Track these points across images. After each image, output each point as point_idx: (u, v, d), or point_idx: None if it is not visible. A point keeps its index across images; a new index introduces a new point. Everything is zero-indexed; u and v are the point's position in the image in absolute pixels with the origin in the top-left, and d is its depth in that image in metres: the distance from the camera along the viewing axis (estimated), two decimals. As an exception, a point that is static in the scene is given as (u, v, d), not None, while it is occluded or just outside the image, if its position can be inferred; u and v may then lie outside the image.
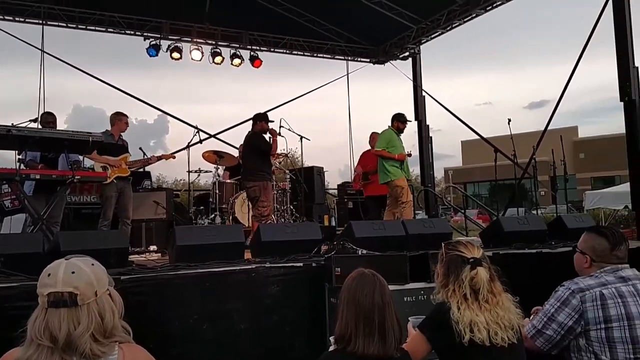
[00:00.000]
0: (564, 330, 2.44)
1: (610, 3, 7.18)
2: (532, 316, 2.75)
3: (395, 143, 7.38)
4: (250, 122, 7.29)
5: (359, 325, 2.05)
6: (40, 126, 5.93)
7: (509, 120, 7.67)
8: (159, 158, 6.91)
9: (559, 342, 2.46)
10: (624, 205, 15.13)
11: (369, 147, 8.42)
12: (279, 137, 7.23)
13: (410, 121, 7.77)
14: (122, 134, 6.50)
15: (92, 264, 1.65)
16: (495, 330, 2.17)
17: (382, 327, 2.04)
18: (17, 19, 9.48)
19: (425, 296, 3.75)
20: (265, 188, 6.88)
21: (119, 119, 6.45)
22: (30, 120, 5.91)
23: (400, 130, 7.53)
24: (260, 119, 7.10)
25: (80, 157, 5.90)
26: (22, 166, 4.87)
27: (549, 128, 9.62)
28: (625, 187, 10.97)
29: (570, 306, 2.42)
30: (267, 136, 7.09)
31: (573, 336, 2.44)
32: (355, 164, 9.02)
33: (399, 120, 7.54)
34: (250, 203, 7.15)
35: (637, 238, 6.34)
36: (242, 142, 7.79)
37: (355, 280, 2.19)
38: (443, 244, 2.47)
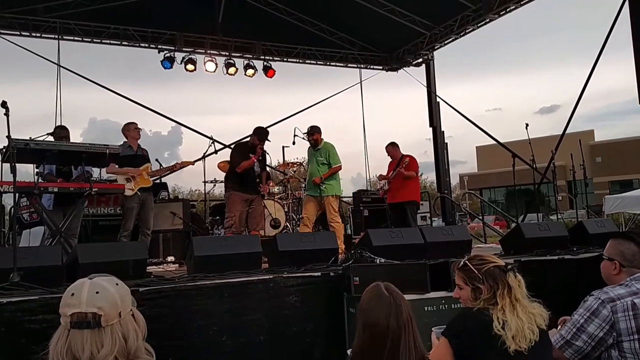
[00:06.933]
0: (594, 342, 2.36)
1: (626, 5, 7.08)
2: (559, 326, 2.68)
3: None
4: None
5: (371, 349, 1.97)
6: (54, 140, 5.96)
7: (527, 125, 7.58)
8: (182, 165, 6.86)
9: (589, 353, 2.38)
10: (644, 209, 14.90)
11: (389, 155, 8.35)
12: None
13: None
14: (140, 144, 6.51)
15: (117, 284, 1.59)
16: (532, 330, 2.13)
17: (394, 352, 1.94)
18: (33, 34, 9.62)
19: (446, 305, 3.69)
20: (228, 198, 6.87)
21: (127, 128, 6.40)
22: (48, 134, 5.95)
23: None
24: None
25: (92, 169, 5.88)
26: (41, 179, 4.91)
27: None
28: (646, 190, 10.78)
29: (601, 317, 2.35)
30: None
31: (604, 348, 2.37)
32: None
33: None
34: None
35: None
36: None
37: (372, 301, 2.06)
38: (467, 263, 2.36)
